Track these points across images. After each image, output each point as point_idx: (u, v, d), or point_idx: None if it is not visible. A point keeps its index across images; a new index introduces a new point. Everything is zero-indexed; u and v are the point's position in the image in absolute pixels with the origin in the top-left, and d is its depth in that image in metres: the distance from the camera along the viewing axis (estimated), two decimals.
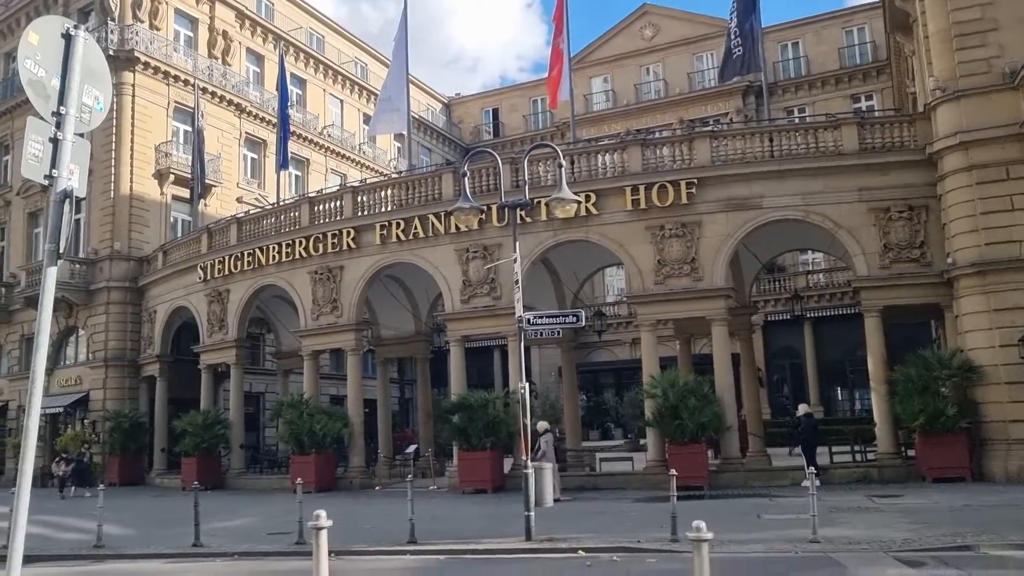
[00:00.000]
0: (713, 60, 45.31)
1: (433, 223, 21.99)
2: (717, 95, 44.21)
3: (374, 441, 28.17)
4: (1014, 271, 17.07)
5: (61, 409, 31.74)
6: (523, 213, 16.81)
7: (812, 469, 12.54)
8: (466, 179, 14.49)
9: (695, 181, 19.55)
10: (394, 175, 35.46)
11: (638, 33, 47.79)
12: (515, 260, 13.64)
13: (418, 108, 46.84)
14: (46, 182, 4.82)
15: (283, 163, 31.06)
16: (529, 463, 12.91)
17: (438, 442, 25.07)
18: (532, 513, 12.29)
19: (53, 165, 4.81)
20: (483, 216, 19.38)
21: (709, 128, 25.88)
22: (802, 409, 20.48)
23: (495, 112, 54.32)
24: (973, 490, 15.90)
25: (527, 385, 13.58)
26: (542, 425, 18.96)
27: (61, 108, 4.87)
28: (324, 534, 6.43)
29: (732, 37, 25.33)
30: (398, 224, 22.62)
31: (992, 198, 17.37)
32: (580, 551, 11.44)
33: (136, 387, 31.46)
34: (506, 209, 14.37)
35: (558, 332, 15.80)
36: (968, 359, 17.39)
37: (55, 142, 4.82)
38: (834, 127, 19.81)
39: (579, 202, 16.67)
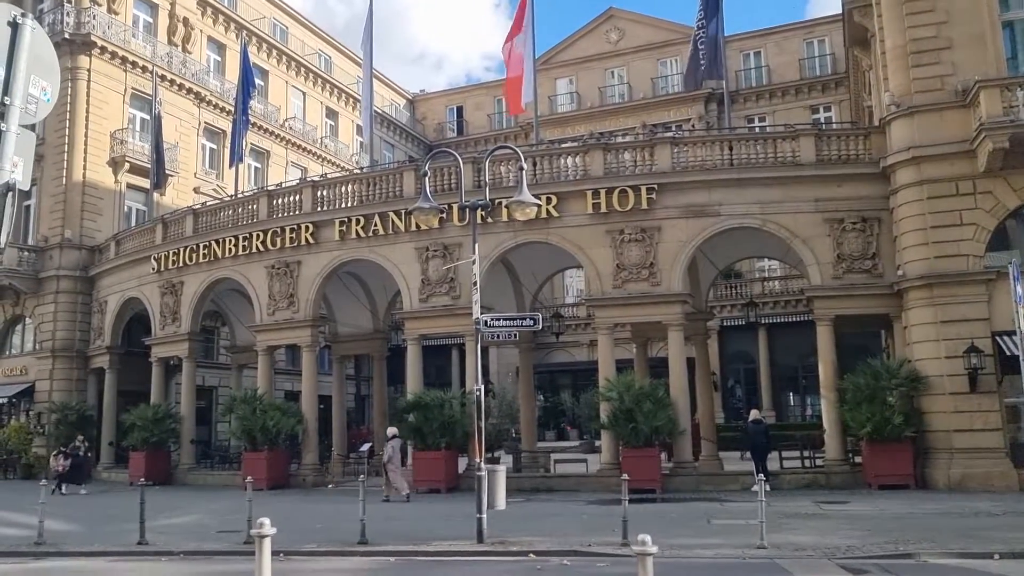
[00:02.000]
0: (677, 66, 45.76)
1: (393, 221, 21.86)
2: (680, 101, 44.65)
3: (328, 438, 27.94)
4: (960, 284, 17.53)
5: (5, 400, 30.93)
6: (484, 214, 16.79)
7: (761, 476, 12.73)
8: (427, 178, 14.44)
9: (655, 187, 19.72)
10: (356, 171, 35.20)
11: (604, 36, 48.07)
12: (474, 261, 13.60)
13: (382, 103, 46.55)
14: None
15: (237, 156, 30.49)
16: (482, 464, 12.91)
17: None
18: (484, 515, 12.28)
19: None
20: (443, 215, 19.37)
21: (671, 134, 26.16)
22: (753, 415, 20.79)
23: (459, 110, 54.18)
24: (917, 498, 16.29)
25: (483, 386, 13.57)
26: (391, 431, 20.06)
27: (5, 99, 4.72)
28: (267, 543, 6.33)
29: (697, 44, 25.59)
30: (358, 220, 22.43)
31: (941, 212, 17.80)
32: (531, 554, 11.46)
33: (84, 379, 30.75)
34: (467, 209, 14.32)
35: (515, 335, 15.82)
36: (915, 369, 17.81)
37: None
38: (792, 137, 20.13)
39: (539, 205, 16.76)
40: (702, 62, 25.18)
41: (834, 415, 18.89)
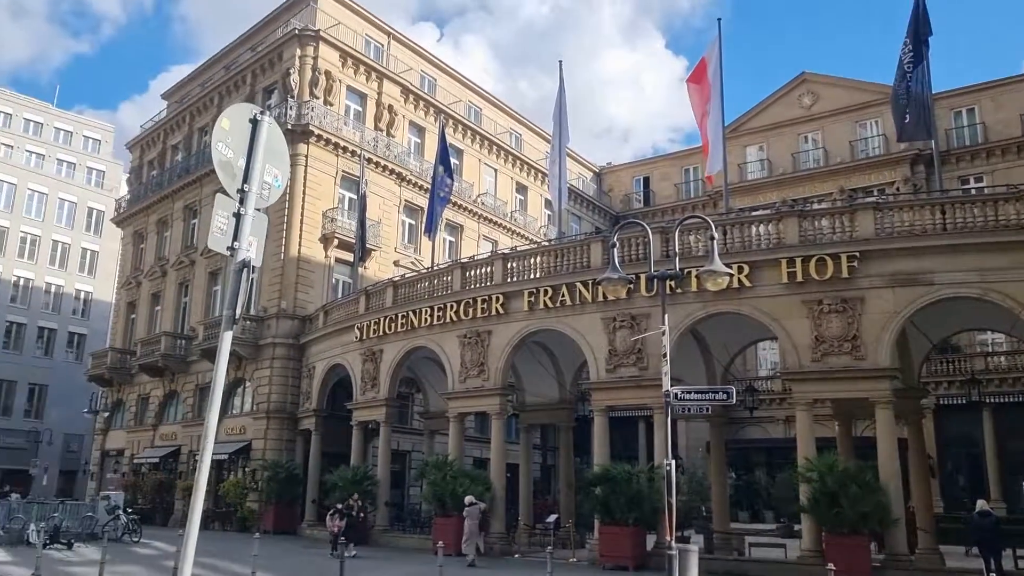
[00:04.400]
0: (878, 127, 43.56)
1: (580, 291, 22.05)
2: (882, 164, 42.28)
3: (515, 507, 28.04)
4: None
5: (226, 456, 33.75)
6: (672, 284, 16.57)
7: (993, 574, 11.28)
8: (615, 249, 14.48)
9: (857, 254, 18.58)
10: (544, 243, 36.04)
11: (796, 101, 46.75)
12: (663, 332, 13.39)
13: (570, 177, 47.67)
14: (228, 253, 5.23)
15: (432, 228, 32.28)
16: (674, 543, 12.40)
17: (579, 512, 24.62)
18: None
19: (235, 237, 5.23)
20: (631, 286, 19.24)
21: (873, 198, 24.67)
22: (980, 505, 18.57)
23: (646, 180, 54.38)
24: None
25: (673, 461, 13.14)
26: (469, 499, 21.38)
27: (245, 186, 5.32)
28: None
29: (898, 99, 24.19)
30: (546, 291, 22.84)
31: None
32: None
33: (293, 439, 33.01)
34: (655, 280, 14.21)
35: (707, 408, 15.26)
36: None
37: (238, 217, 5.25)
38: (1017, 199, 18.34)
39: (731, 274, 16.26)
40: (906, 118, 23.73)
41: None
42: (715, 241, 13.27)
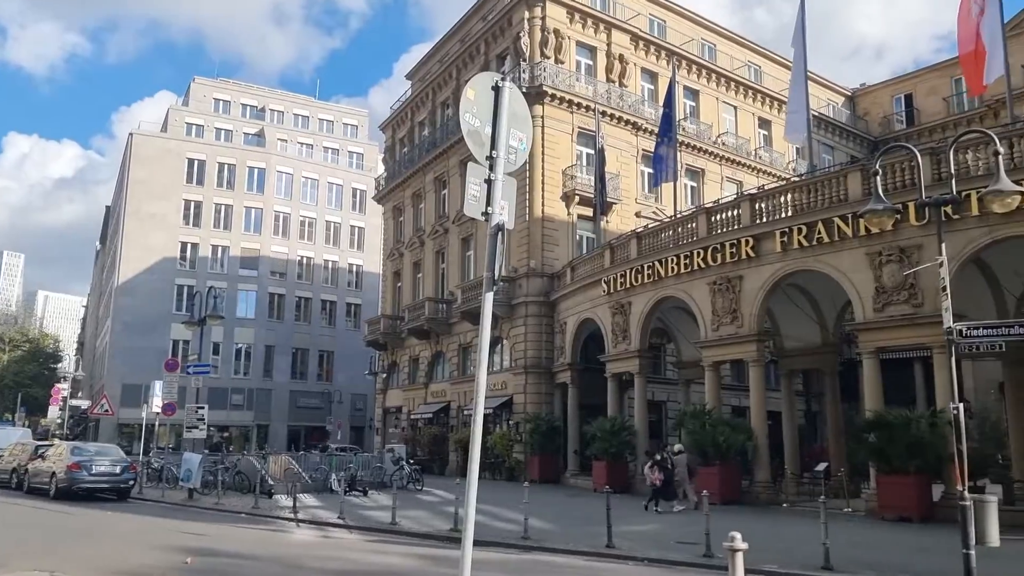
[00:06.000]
0: None
1: (839, 226, 20.53)
2: None
3: (779, 456, 27.07)
4: None
5: (490, 411, 35.90)
6: (948, 210, 14.88)
7: None
8: (877, 177, 13.25)
9: None
10: (793, 179, 33.95)
11: None
12: (940, 263, 12.08)
13: (817, 104, 44.34)
14: (483, 218, 5.46)
15: (661, 177, 31.69)
16: (967, 493, 11.29)
17: (851, 462, 23.23)
18: (972, 551, 10.72)
19: (488, 203, 5.45)
20: (898, 216, 17.53)
21: None
22: None
23: (908, 99, 49.17)
24: None
25: (961, 405, 11.91)
26: (677, 447, 21.93)
27: (493, 152, 5.50)
28: (740, 556, 6.29)
29: None
30: (799, 230, 21.54)
31: None
32: None
33: (551, 392, 34.31)
34: (927, 207, 12.81)
35: (1000, 346, 13.61)
36: None
37: (489, 183, 5.46)
38: None
39: (1022, 193, 14.26)
40: None
41: None
42: (1000, 156, 11.67)
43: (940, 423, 17.30)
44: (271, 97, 77.50)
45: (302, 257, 68.48)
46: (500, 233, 5.42)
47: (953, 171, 13.62)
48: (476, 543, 14.20)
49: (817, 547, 11.84)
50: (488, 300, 5.40)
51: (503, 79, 5.61)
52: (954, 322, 12.01)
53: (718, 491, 21.21)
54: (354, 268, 71.48)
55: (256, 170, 67.75)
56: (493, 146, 5.52)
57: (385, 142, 55.61)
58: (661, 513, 20.09)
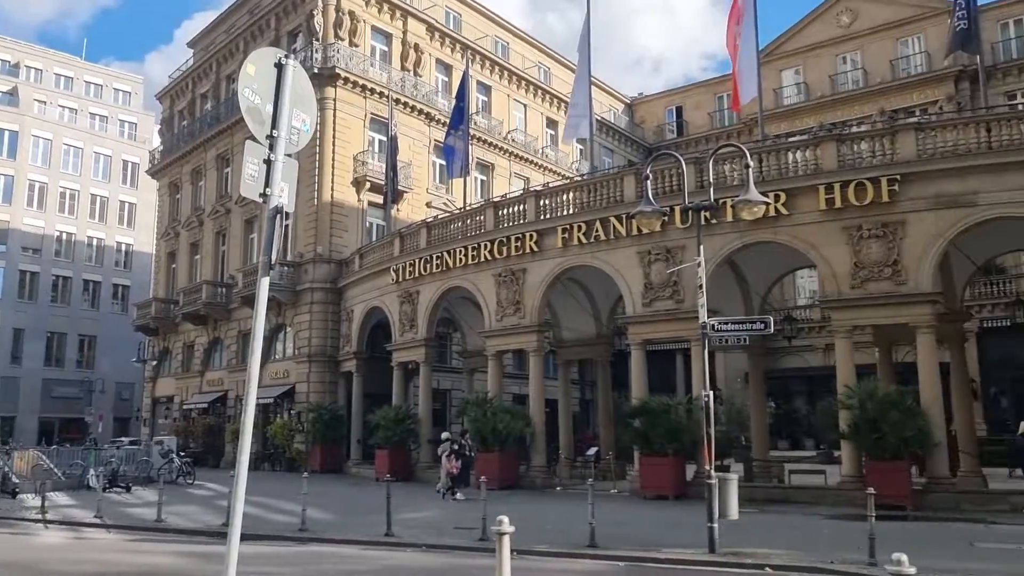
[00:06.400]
0: (920, 44, 42.04)
1: (614, 225, 21.90)
2: (924, 83, 40.83)
3: (555, 441, 28.46)
4: None
5: (271, 400, 34.64)
6: (707, 215, 16.31)
7: None
8: (648, 181, 14.29)
9: (898, 177, 18.12)
10: (576, 178, 35.71)
11: (834, 20, 45.07)
12: (699, 263, 13.29)
13: (600, 109, 46.89)
14: (261, 200, 5.26)
15: (453, 170, 32.44)
16: (713, 472, 12.53)
17: (619, 446, 24.93)
18: (716, 525, 11.93)
19: (267, 184, 5.25)
20: (666, 218, 19.02)
21: (915, 119, 23.93)
22: (1023, 427, 18.45)
23: (679, 110, 53.31)
24: None
25: (711, 392, 13.19)
26: (444, 434, 22.76)
27: (274, 131, 5.31)
28: (507, 540, 6.56)
29: (957, 10, 23.28)
30: (579, 227, 22.72)
31: None
32: (767, 568, 10.96)
33: (335, 381, 33.71)
34: (690, 211, 14.03)
35: (745, 339, 15.22)
36: None
37: (268, 163, 5.27)
38: None
39: (767, 203, 15.98)
40: (958, 26, 22.85)
41: None
42: (750, 169, 13.04)
43: (695, 409, 18.95)
44: (28, 52, 69.01)
45: (62, 232, 61.81)
46: (279, 216, 5.25)
47: (712, 180, 15.01)
48: (250, 537, 13.73)
49: (585, 527, 12.60)
50: (264, 285, 5.22)
51: (287, 56, 5.42)
52: (708, 317, 13.25)
53: (497, 476, 21.92)
54: (123, 247, 65.65)
55: (7, 132, 60.20)
56: (274, 125, 5.32)
57: (162, 113, 51.70)
58: (460, 501, 20.06)
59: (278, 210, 5.24)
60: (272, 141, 5.31)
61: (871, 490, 11.84)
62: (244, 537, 5.97)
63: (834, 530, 14.54)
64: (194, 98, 46.65)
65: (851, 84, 44.10)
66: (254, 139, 5.39)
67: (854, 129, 24.51)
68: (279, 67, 5.37)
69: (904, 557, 5.02)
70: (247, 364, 5.30)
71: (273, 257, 5.20)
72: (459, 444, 22.33)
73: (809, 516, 16.39)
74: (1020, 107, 29.94)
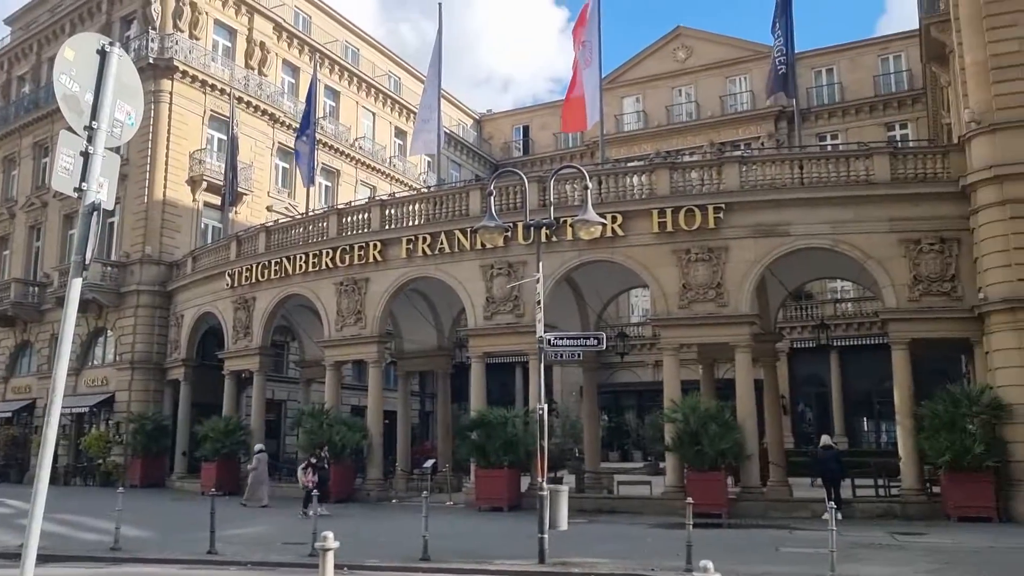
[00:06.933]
0: (747, 84, 45.21)
1: (459, 239, 22.07)
2: (749, 119, 44.04)
3: (393, 453, 28.19)
4: None
5: (87, 409, 32.16)
6: (548, 232, 16.79)
7: (832, 503, 12.31)
8: (492, 197, 14.53)
9: (723, 206, 19.45)
10: (423, 189, 35.69)
11: (671, 55, 47.78)
12: (538, 279, 13.63)
13: (449, 123, 47.14)
14: (76, 195, 4.90)
15: (305, 178, 31.68)
16: (545, 484, 12.85)
17: (456, 458, 25.04)
18: (546, 536, 12.21)
19: (83, 178, 4.90)
20: (508, 234, 19.48)
21: (739, 153, 25.76)
22: (824, 440, 20.19)
23: (526, 129, 54.52)
24: (998, 531, 15.55)
25: (546, 405, 13.54)
26: (258, 446, 23.34)
27: (93, 123, 4.97)
28: (331, 556, 6.44)
29: (777, 55, 25.25)
30: (424, 239, 22.73)
31: None
32: None
33: (161, 390, 31.78)
34: (531, 228, 14.39)
35: (579, 354, 15.73)
36: (997, 397, 17.03)
37: (86, 156, 4.92)
38: (866, 156, 19.63)
39: (604, 224, 16.66)
40: (780, 69, 24.80)
41: (911, 443, 18.19)
42: (589, 191, 13.55)
43: (532, 422, 19.36)
44: None
45: None
46: (96, 213, 4.91)
47: (553, 199, 15.49)
48: (54, 558, 12.68)
49: (418, 540, 12.53)
50: (76, 286, 4.85)
51: (111, 44, 5.09)
52: (545, 332, 13.61)
53: (332, 489, 21.42)
54: None
55: None
56: (94, 116, 4.98)
57: None
58: (323, 516, 18.83)
59: (95, 207, 4.90)
60: (91, 133, 4.96)
61: (690, 500, 12.56)
62: (45, 559, 5.51)
63: (657, 538, 15.25)
64: (10, 79, 42.72)
65: (685, 115, 46.85)
66: (71, 130, 5.01)
67: (686, 158, 26.11)
68: (102, 54, 5.04)
69: (710, 564, 5.37)
70: (54, 370, 4.91)
71: (88, 257, 4.84)
72: (317, 458, 21.48)
73: (635, 525, 17.13)
74: (829, 148, 32.94)
